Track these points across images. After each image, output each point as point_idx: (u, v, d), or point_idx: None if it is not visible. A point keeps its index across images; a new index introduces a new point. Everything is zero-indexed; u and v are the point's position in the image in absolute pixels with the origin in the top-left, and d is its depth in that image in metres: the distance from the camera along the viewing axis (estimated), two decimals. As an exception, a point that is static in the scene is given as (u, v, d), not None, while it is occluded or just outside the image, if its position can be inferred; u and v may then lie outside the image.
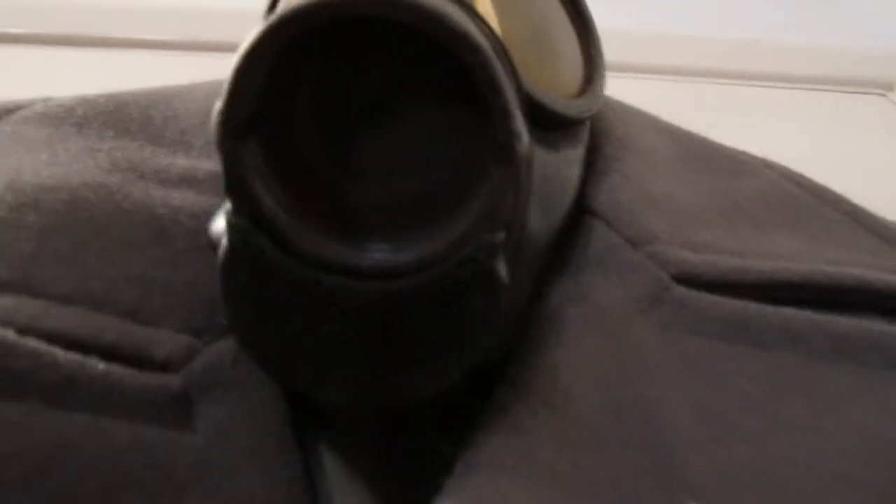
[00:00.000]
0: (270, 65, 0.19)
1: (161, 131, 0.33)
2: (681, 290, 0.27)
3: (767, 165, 0.37)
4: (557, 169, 0.30)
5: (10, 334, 0.21)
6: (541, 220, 0.28)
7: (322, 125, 0.20)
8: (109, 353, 0.23)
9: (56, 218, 0.26)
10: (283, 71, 0.19)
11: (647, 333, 0.26)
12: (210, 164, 0.31)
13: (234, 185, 0.20)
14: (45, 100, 0.34)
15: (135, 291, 0.25)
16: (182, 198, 0.28)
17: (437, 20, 0.18)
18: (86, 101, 0.33)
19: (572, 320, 0.26)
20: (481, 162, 0.20)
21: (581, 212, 0.30)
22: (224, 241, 0.21)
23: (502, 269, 0.21)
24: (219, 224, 0.26)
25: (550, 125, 0.29)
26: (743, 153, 0.38)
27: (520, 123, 0.19)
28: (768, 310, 0.27)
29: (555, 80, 0.30)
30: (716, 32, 0.70)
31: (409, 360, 0.21)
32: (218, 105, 0.19)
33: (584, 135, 0.32)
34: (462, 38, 0.18)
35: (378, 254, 0.20)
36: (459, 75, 0.19)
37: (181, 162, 0.31)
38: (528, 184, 0.23)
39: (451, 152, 0.20)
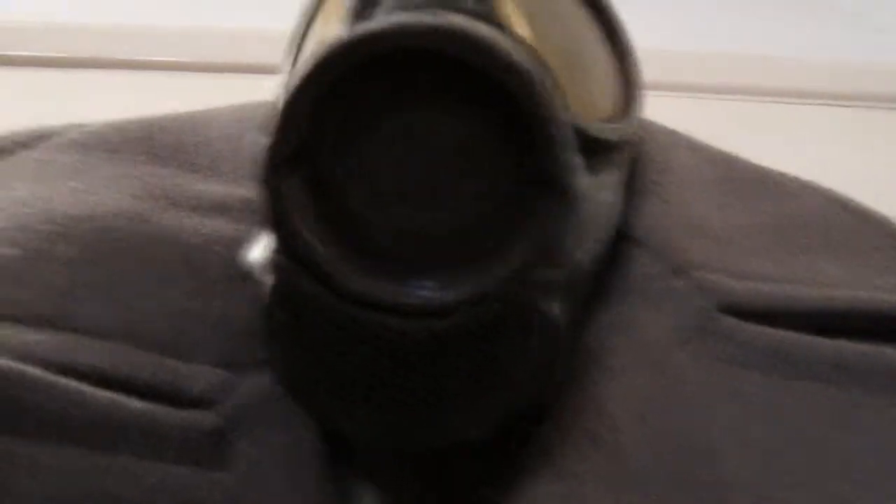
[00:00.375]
0: (317, 99, 0.18)
1: (193, 157, 0.33)
2: (726, 321, 0.27)
3: (809, 187, 0.36)
4: (597, 195, 0.29)
5: (46, 374, 0.21)
6: (582, 249, 0.27)
7: (365, 160, 0.20)
8: (145, 390, 0.22)
9: (89, 248, 0.26)
10: (330, 105, 0.19)
11: (693, 365, 0.26)
12: (242, 190, 0.31)
13: (278, 221, 0.19)
14: (79, 126, 0.34)
15: (169, 324, 0.25)
16: (214, 226, 0.28)
17: (489, 52, 0.18)
18: (118, 128, 0.33)
19: (616, 352, 0.26)
20: (533, 195, 0.19)
21: (621, 238, 0.30)
22: (268, 278, 0.20)
23: (557, 308, 0.20)
24: (253, 253, 0.25)
25: (589, 150, 0.28)
26: (782, 174, 0.37)
27: (573, 155, 0.19)
28: (817, 341, 0.26)
29: (592, 104, 0.30)
30: (737, 48, 0.69)
31: (453, 401, 0.21)
32: (263, 140, 0.19)
33: (623, 158, 0.32)
34: (515, 70, 0.18)
35: (424, 291, 0.20)
36: (510, 105, 0.18)
37: (214, 189, 0.31)
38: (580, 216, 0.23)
39: (498, 183, 0.20)
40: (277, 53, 0.33)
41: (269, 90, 0.34)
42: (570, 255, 0.22)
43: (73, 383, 0.21)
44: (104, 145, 0.32)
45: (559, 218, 0.19)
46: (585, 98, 0.29)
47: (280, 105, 0.19)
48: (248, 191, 0.30)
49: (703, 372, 0.25)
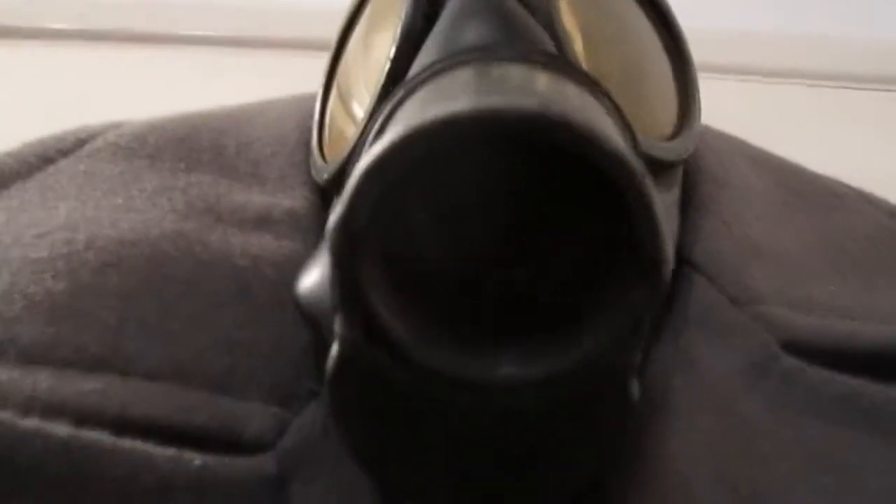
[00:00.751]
0: (391, 178, 0.17)
1: (234, 161, 0.31)
2: (790, 361, 0.26)
3: (865, 199, 0.35)
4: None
5: (105, 438, 0.20)
6: None
7: (442, 234, 0.19)
8: (202, 438, 0.22)
9: (139, 279, 0.25)
10: (405, 182, 0.18)
11: (760, 411, 0.25)
12: (285, 200, 0.30)
13: (349, 299, 0.18)
14: (116, 126, 0.33)
15: (221, 358, 0.24)
16: (261, 244, 0.27)
17: (591, 141, 0.17)
18: (156, 128, 0.32)
19: (681, 395, 0.25)
20: (623, 276, 0.18)
21: (679, 262, 0.28)
22: (333, 352, 0.19)
23: (635, 388, 0.19)
24: (304, 284, 0.25)
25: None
26: (840, 184, 0.36)
27: (668, 243, 0.18)
28: (886, 390, 0.25)
29: (649, 121, 0.28)
30: (780, 28, 0.67)
31: (526, 474, 0.20)
32: (333, 217, 0.18)
33: (679, 175, 0.30)
34: (616, 161, 0.17)
35: (505, 368, 0.19)
36: (603, 187, 0.17)
37: (257, 199, 0.30)
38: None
39: (585, 260, 0.19)
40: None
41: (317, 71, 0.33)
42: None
43: (137, 445, 0.20)
44: (144, 149, 0.31)
45: (650, 304, 0.18)
46: (643, 115, 0.28)
47: (352, 181, 0.18)
48: (291, 200, 0.30)
49: (772, 420, 0.24)
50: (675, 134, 0.29)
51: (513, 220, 0.19)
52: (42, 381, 0.21)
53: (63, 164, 0.30)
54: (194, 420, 0.22)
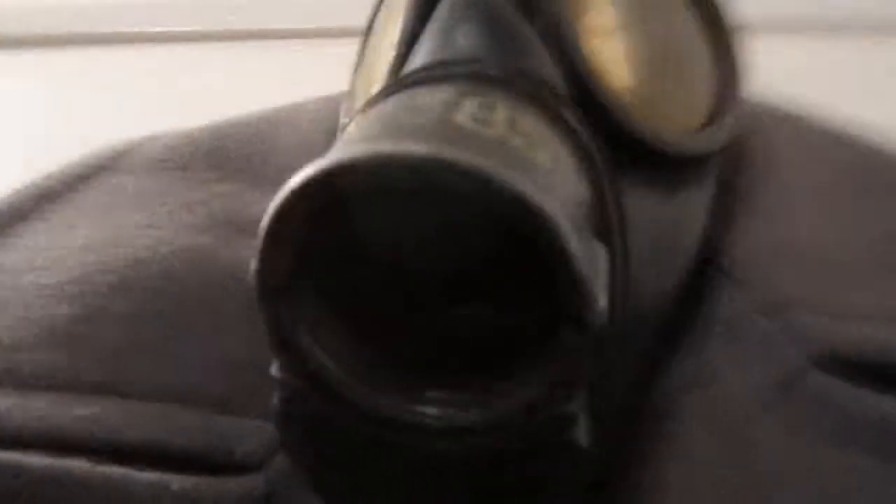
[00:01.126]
0: (306, 220, 0.17)
1: (261, 169, 0.32)
2: (819, 378, 0.23)
3: None
4: (676, 217, 0.26)
5: (83, 465, 0.21)
6: (654, 283, 0.25)
7: (376, 274, 0.19)
8: (193, 459, 0.23)
9: (147, 300, 0.26)
10: (321, 223, 0.17)
11: (776, 436, 0.22)
12: None
13: (281, 342, 0.19)
14: (152, 139, 0.34)
15: (223, 377, 0.25)
16: None
17: (487, 187, 0.16)
18: (189, 138, 0.33)
19: (692, 415, 0.23)
20: (553, 322, 0.17)
21: (708, 265, 0.26)
22: (275, 396, 0.20)
23: (583, 436, 0.18)
24: None
25: (667, 165, 0.25)
26: None
27: (595, 287, 0.17)
28: None
29: (680, 109, 0.26)
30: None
31: None
32: (252, 264, 0.18)
33: (713, 168, 0.28)
34: (519, 207, 0.16)
35: (441, 411, 0.18)
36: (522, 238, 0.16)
37: None
38: (612, 337, 0.21)
39: (517, 305, 0.18)
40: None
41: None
42: (606, 370, 0.20)
43: (116, 471, 0.21)
44: (177, 161, 0.32)
45: (581, 352, 0.17)
46: (672, 103, 0.26)
47: (262, 227, 0.18)
48: None
49: (787, 447, 0.22)
50: (709, 123, 0.27)
51: (447, 262, 0.19)
52: (35, 409, 0.22)
53: (100, 180, 0.31)
54: (187, 441, 0.23)
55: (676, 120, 0.26)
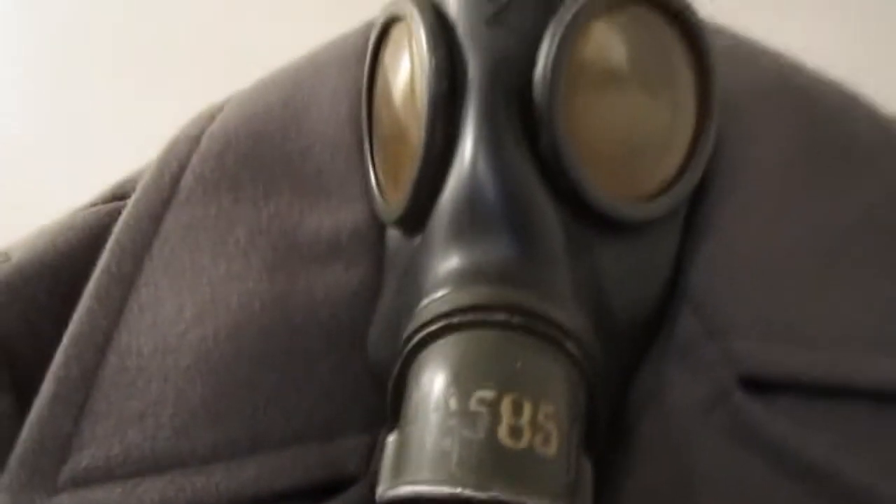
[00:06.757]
0: None
1: (300, 169, 0.35)
2: (740, 397, 0.27)
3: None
4: (646, 257, 0.30)
5: None
6: (628, 311, 0.29)
7: None
8: (319, 487, 0.28)
9: (257, 359, 0.30)
10: None
11: (707, 446, 0.27)
12: (349, 216, 0.33)
13: None
14: (194, 141, 0.35)
15: (325, 408, 0.29)
16: (335, 281, 0.32)
17: None
18: (228, 143, 0.35)
19: (647, 429, 0.28)
20: None
21: (674, 290, 0.30)
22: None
23: None
24: (371, 338, 0.31)
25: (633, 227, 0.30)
26: (884, 123, 0.35)
27: None
28: (810, 440, 0.26)
29: (654, 176, 0.30)
30: None
31: None
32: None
33: (681, 214, 0.31)
34: None
35: None
36: None
37: (326, 218, 0.33)
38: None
39: None
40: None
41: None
42: None
43: None
44: (226, 178, 0.34)
45: None
46: (650, 171, 0.30)
47: None
48: (352, 215, 0.33)
49: (715, 456, 0.27)
50: (681, 175, 0.30)
51: None
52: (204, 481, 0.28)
53: (169, 222, 0.33)
54: (313, 475, 0.28)
55: (649, 186, 0.30)
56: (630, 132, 0.29)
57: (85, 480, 0.28)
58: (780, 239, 0.31)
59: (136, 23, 0.87)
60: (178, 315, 0.31)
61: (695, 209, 0.32)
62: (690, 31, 0.30)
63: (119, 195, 0.36)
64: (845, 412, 0.27)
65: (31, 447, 0.28)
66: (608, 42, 0.29)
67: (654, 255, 0.31)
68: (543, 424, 0.23)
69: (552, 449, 0.23)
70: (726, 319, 0.29)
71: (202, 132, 0.36)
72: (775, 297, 0.30)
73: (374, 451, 0.28)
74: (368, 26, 0.38)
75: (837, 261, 0.31)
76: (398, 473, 0.23)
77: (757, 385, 0.28)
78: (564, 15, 0.28)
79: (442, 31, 0.29)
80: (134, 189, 0.36)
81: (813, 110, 0.35)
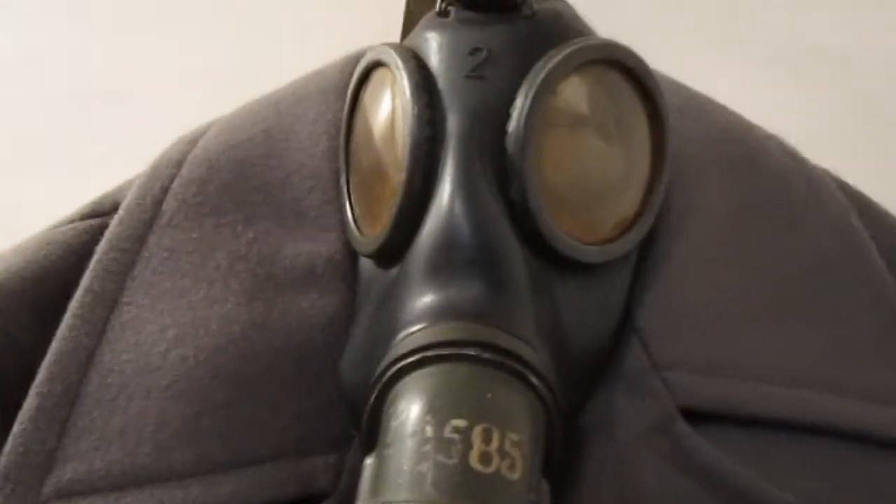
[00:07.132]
0: None
1: (280, 200, 0.36)
2: (680, 427, 0.30)
3: (824, 205, 0.37)
4: (601, 294, 0.33)
5: None
6: (583, 344, 0.32)
7: None
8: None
9: (235, 381, 0.31)
10: None
11: (651, 471, 0.29)
12: (324, 246, 0.35)
13: None
14: (175, 164, 0.36)
15: (296, 429, 0.31)
16: (310, 308, 0.33)
17: None
18: (211, 169, 0.36)
19: (594, 455, 0.30)
20: None
21: (626, 324, 0.33)
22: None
23: None
24: (343, 364, 0.32)
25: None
26: (818, 175, 0.38)
27: None
28: (741, 473, 0.29)
29: (611, 219, 0.32)
30: None
31: None
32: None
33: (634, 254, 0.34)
34: None
35: None
36: None
37: (302, 246, 0.35)
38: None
39: None
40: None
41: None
42: None
43: None
44: (208, 203, 0.35)
45: None
46: (608, 214, 0.32)
47: None
48: (327, 245, 0.35)
49: (654, 476, 0.29)
50: (637, 218, 0.33)
51: None
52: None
53: (152, 244, 0.34)
54: (286, 491, 0.30)
55: (607, 229, 0.32)
56: (591, 181, 0.32)
57: (68, 493, 0.29)
58: (723, 281, 0.34)
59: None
60: (159, 335, 0.32)
61: (646, 250, 0.34)
62: (647, 89, 0.33)
63: (97, 212, 0.37)
64: (775, 442, 0.30)
65: (14, 460, 0.29)
66: (574, 99, 0.32)
67: (609, 293, 0.33)
68: (510, 451, 0.25)
69: (517, 473, 0.25)
70: (671, 354, 0.32)
71: (184, 157, 0.37)
72: (716, 336, 0.32)
73: (343, 469, 0.30)
74: (347, 60, 0.40)
75: (775, 304, 0.34)
76: (376, 493, 0.25)
77: (696, 415, 0.30)
78: (537, 75, 0.31)
79: (424, 81, 0.32)
80: (111, 206, 0.37)
81: (754, 163, 0.38)
